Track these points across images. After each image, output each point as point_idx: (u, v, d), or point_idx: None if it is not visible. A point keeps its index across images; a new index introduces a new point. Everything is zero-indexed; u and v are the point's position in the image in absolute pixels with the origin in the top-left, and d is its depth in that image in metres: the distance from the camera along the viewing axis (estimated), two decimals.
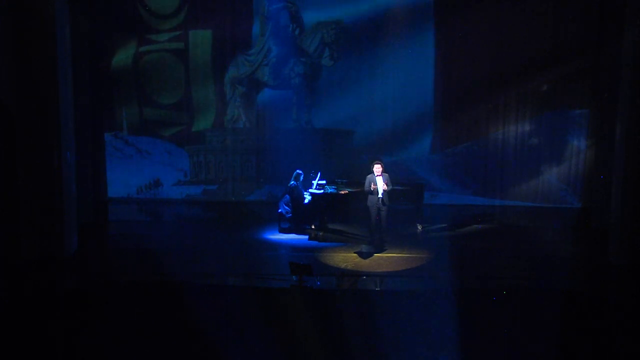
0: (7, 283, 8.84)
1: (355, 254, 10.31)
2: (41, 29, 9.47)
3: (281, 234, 11.67)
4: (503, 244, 11.25)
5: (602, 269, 9.76)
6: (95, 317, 7.77)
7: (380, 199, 10.26)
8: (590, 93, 13.04)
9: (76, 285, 8.93)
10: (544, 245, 11.19)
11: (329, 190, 11.61)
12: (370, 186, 10.24)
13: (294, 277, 8.66)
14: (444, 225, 12.39)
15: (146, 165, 14.34)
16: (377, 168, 10.32)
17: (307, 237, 11.42)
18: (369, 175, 10.37)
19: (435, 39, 13.68)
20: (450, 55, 13.63)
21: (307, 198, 11.63)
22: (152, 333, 7.32)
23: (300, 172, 11.77)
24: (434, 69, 13.77)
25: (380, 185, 10.25)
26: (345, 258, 10.14)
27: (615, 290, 9.00)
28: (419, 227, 11.70)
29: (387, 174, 10.42)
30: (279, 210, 11.72)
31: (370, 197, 10.34)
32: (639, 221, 9.43)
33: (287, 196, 11.70)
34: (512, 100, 13.60)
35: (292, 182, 11.69)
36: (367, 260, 10.04)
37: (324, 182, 11.87)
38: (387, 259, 10.09)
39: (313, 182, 11.82)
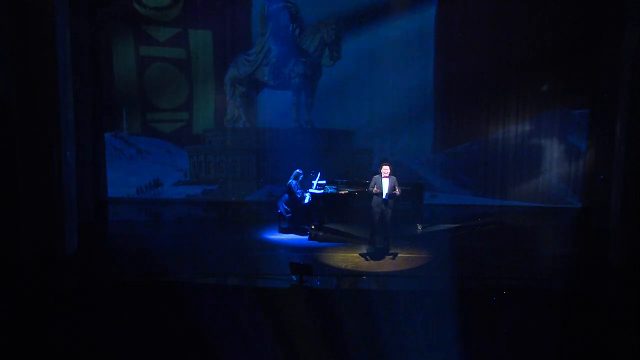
0: (6, 283, 8.83)
1: (355, 254, 10.30)
2: (41, 29, 9.46)
3: (281, 234, 11.66)
4: (503, 244, 11.25)
5: (602, 269, 9.76)
6: (95, 317, 7.76)
7: (384, 201, 10.16)
8: (590, 93, 13.05)
9: (76, 285, 8.91)
10: (544, 245, 11.18)
11: (329, 190, 11.60)
12: (374, 188, 10.10)
13: (294, 277, 8.66)
14: (443, 225, 12.39)
15: (146, 165, 14.35)
16: (385, 170, 10.12)
17: (307, 237, 11.42)
18: (376, 176, 10.27)
19: (435, 40, 13.69)
20: (450, 55, 13.63)
21: (307, 198, 11.62)
22: (152, 333, 7.32)
23: (300, 171, 11.75)
24: (434, 69, 13.78)
25: (386, 187, 10.11)
26: (345, 258, 10.14)
27: (615, 290, 9.00)
28: (419, 227, 11.68)
29: (394, 177, 10.18)
30: (279, 210, 11.71)
31: (375, 197, 10.23)
32: (639, 221, 9.43)
33: (286, 195, 11.70)
34: (512, 100, 13.60)
35: (292, 181, 11.67)
36: (367, 260, 10.04)
37: (324, 182, 11.85)
38: (387, 259, 10.08)
39: (313, 182, 11.81)
